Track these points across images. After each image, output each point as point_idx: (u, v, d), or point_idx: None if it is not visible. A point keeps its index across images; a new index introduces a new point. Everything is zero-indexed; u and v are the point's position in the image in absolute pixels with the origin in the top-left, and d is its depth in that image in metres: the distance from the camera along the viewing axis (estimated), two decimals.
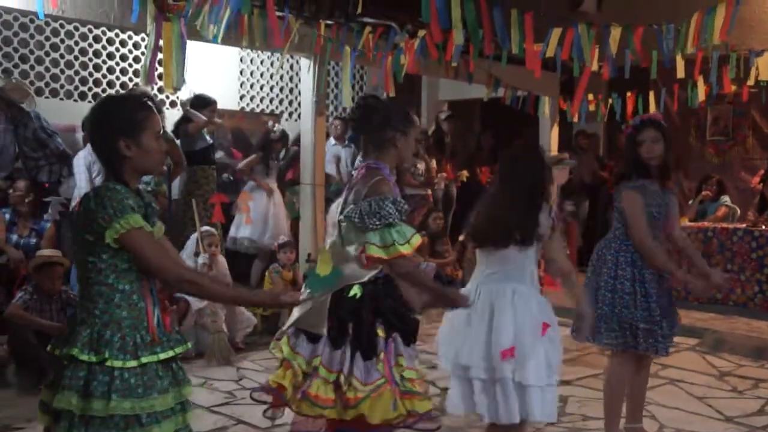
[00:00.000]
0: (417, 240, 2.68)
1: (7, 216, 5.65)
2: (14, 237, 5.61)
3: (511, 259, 3.05)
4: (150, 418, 2.15)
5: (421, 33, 6.36)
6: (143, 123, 2.23)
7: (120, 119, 2.21)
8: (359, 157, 7.54)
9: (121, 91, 7.29)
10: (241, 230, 7.04)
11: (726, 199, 8.33)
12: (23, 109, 6.17)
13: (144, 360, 2.15)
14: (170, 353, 2.22)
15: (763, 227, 7.16)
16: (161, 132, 2.30)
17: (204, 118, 6.62)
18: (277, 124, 7.66)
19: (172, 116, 7.09)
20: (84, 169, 5.82)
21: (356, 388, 2.64)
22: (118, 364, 2.12)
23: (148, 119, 2.24)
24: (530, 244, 3.03)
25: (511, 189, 3.08)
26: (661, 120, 3.69)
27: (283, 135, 7.40)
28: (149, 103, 2.30)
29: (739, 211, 8.25)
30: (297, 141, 7.58)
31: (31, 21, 6.67)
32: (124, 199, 2.14)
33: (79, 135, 6.52)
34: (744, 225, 7.42)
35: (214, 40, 5.48)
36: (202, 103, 6.70)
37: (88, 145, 6.13)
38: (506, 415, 2.97)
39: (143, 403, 2.13)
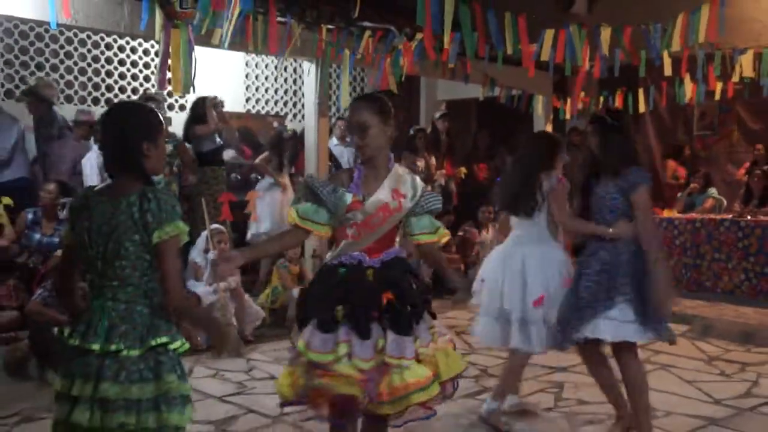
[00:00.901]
0: (293, 215, 2.80)
1: (30, 216, 5.78)
2: (37, 236, 5.72)
3: (524, 224, 3.97)
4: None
5: (419, 36, 6.56)
6: (159, 126, 2.38)
7: (144, 123, 2.34)
8: None
9: (133, 96, 7.51)
10: (261, 226, 7.14)
11: (713, 191, 8.47)
12: (51, 105, 6.32)
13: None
14: None
15: (749, 217, 7.30)
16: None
17: (214, 123, 6.76)
18: (288, 128, 7.81)
19: (180, 119, 7.29)
20: (97, 171, 6.00)
21: None
22: (182, 349, 2.31)
23: (161, 122, 2.41)
24: (527, 214, 3.92)
25: (513, 171, 4.10)
26: (600, 115, 3.72)
27: (294, 135, 7.52)
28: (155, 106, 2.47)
29: (725, 203, 8.40)
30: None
31: (46, 31, 6.89)
32: (177, 204, 2.29)
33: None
34: (730, 215, 7.56)
35: (222, 46, 5.66)
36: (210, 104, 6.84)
37: (95, 147, 6.36)
38: (538, 346, 3.90)
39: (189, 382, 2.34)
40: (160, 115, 2.44)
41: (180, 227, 2.24)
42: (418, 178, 2.93)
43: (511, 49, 6.10)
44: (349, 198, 2.76)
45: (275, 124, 7.78)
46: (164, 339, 2.25)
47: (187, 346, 2.32)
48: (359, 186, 2.80)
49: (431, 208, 2.89)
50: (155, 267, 2.25)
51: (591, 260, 3.59)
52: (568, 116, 8.59)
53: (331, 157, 7.78)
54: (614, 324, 3.48)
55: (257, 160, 7.31)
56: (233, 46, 5.90)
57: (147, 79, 7.67)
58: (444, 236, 2.96)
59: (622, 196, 3.52)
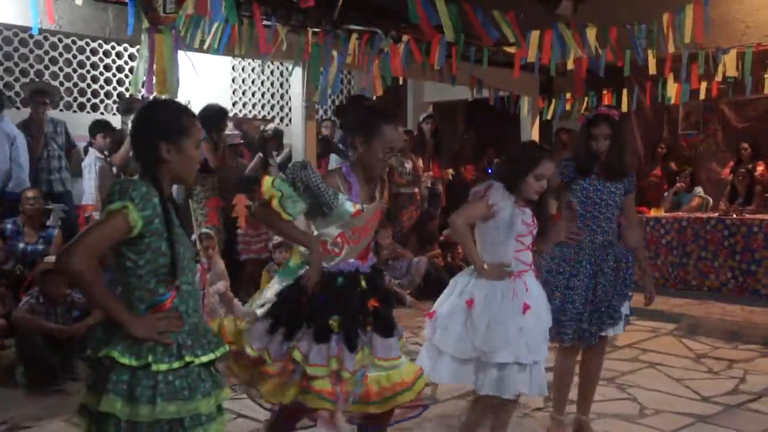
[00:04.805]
0: (275, 194, 2.69)
1: (9, 226, 5.69)
2: (21, 245, 5.64)
3: None
4: (193, 421, 2.10)
5: (405, 38, 6.59)
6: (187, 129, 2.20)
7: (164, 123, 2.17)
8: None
9: (117, 101, 7.50)
10: None
11: (699, 190, 8.58)
12: (53, 99, 6.34)
13: (188, 359, 2.10)
14: (211, 356, 2.17)
15: (734, 216, 7.38)
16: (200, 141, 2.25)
17: (213, 163, 6.53)
18: (270, 124, 7.75)
19: None
20: (95, 175, 6.06)
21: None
22: (163, 367, 2.06)
23: (193, 125, 2.22)
24: None
25: None
26: (609, 113, 3.66)
27: (276, 132, 7.40)
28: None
29: (711, 201, 8.47)
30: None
31: (30, 36, 6.85)
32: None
33: (81, 144, 6.72)
34: (716, 214, 7.64)
35: (212, 52, 5.65)
36: (217, 115, 6.62)
37: (92, 150, 6.38)
38: None
39: (189, 406, 2.08)
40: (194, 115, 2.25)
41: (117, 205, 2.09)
42: None
43: (513, 37, 6.09)
44: (351, 207, 2.76)
45: (262, 127, 7.75)
46: (113, 353, 2.09)
47: (163, 365, 2.08)
48: (358, 194, 2.79)
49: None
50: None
51: (606, 256, 3.64)
52: (549, 116, 8.66)
53: (338, 150, 7.75)
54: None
55: (248, 169, 7.22)
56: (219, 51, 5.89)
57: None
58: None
59: (622, 196, 3.66)
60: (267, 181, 2.72)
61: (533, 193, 3.18)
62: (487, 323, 3.13)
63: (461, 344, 3.16)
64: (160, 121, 2.17)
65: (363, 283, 2.80)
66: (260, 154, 7.18)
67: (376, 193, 2.89)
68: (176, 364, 2.07)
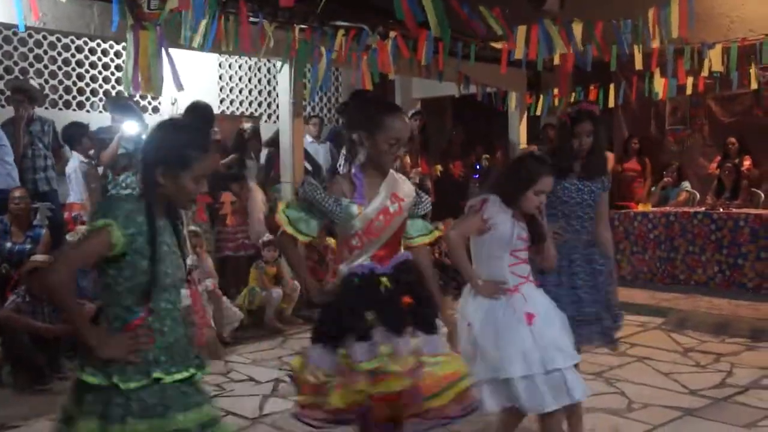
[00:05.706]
0: (284, 220, 2.72)
1: None
2: (8, 245, 5.60)
3: None
4: None
5: (393, 34, 6.58)
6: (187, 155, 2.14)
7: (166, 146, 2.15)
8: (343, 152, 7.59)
9: (104, 99, 7.44)
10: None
11: (686, 184, 8.64)
12: (35, 101, 6.28)
13: (156, 376, 2.08)
14: (185, 374, 2.14)
15: (721, 210, 7.43)
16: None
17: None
18: (247, 123, 7.63)
19: (154, 121, 7.21)
20: (82, 180, 6.02)
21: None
22: (133, 385, 2.05)
23: (198, 160, 2.15)
24: None
25: None
26: (590, 109, 3.58)
27: (255, 132, 7.34)
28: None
29: (698, 196, 8.54)
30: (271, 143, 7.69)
31: (14, 33, 6.81)
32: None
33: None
34: (703, 208, 7.68)
35: (199, 49, 5.63)
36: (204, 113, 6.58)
37: (75, 154, 6.35)
38: None
39: (163, 422, 2.06)
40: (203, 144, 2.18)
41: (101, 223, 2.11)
42: (408, 182, 2.89)
43: (500, 30, 6.09)
44: (356, 209, 2.69)
45: (244, 125, 7.70)
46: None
47: (132, 383, 2.06)
48: (363, 195, 2.72)
49: (425, 211, 2.91)
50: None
51: (598, 256, 3.56)
52: (539, 112, 8.67)
53: (306, 155, 7.75)
54: None
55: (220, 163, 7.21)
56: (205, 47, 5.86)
57: (119, 81, 7.59)
58: (436, 235, 2.95)
59: (600, 194, 3.56)
60: (279, 210, 2.75)
61: (533, 208, 3.10)
62: (494, 340, 3.02)
63: (477, 366, 3.02)
64: (163, 144, 2.15)
65: (387, 282, 2.69)
66: (235, 154, 7.10)
67: (380, 189, 2.75)
68: (145, 381, 2.06)
